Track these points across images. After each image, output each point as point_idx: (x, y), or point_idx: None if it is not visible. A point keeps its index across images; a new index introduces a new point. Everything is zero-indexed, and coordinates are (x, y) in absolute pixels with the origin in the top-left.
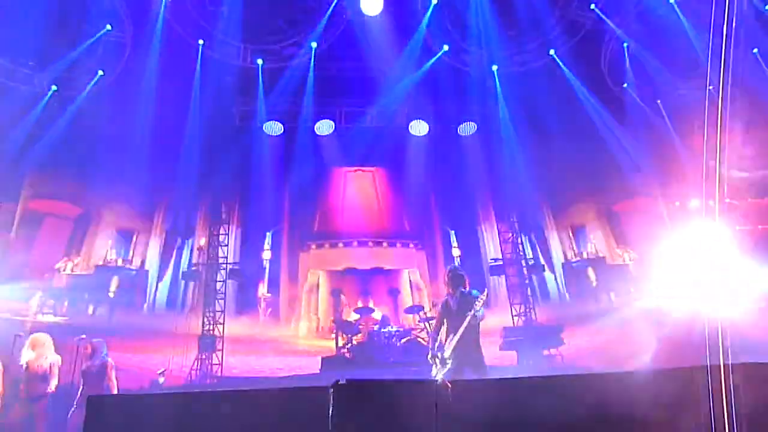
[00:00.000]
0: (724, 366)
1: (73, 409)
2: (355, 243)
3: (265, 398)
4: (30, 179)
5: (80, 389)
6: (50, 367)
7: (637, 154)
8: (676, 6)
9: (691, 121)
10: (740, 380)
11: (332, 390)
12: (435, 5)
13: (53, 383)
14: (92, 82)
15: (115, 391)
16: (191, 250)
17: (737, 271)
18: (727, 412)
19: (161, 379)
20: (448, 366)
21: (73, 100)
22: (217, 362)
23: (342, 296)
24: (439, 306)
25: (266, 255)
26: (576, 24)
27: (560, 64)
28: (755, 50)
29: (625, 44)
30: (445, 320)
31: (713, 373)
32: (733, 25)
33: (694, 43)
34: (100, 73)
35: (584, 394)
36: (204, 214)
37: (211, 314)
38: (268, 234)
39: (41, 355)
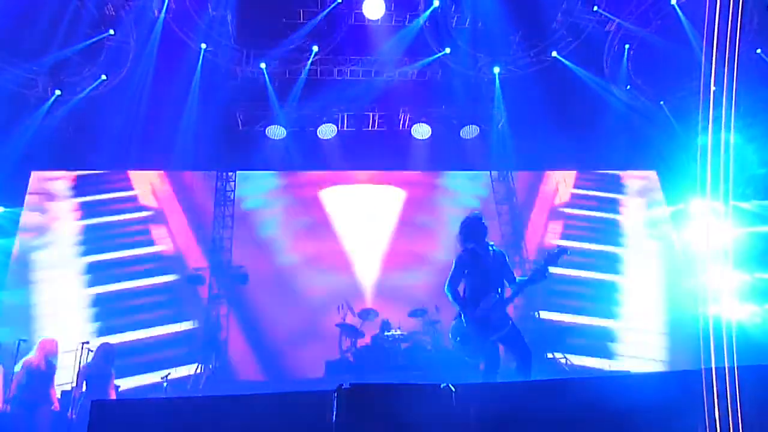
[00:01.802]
0: (729, 368)
1: (73, 412)
2: (359, 245)
3: (269, 402)
4: (33, 183)
5: (82, 393)
6: (54, 370)
7: (640, 156)
8: (678, 8)
9: (696, 122)
10: (746, 383)
11: (336, 394)
12: (437, 8)
13: (56, 387)
14: (93, 85)
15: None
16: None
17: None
18: (732, 416)
19: (164, 384)
20: (504, 330)
21: (75, 104)
22: (220, 366)
23: (345, 299)
24: (461, 256)
25: None
26: (578, 27)
27: (567, 63)
28: (758, 50)
29: (626, 46)
30: (467, 273)
31: (718, 376)
32: (738, 25)
33: (697, 44)
34: (103, 77)
35: (590, 397)
36: (207, 218)
37: (215, 318)
38: None
39: (45, 358)
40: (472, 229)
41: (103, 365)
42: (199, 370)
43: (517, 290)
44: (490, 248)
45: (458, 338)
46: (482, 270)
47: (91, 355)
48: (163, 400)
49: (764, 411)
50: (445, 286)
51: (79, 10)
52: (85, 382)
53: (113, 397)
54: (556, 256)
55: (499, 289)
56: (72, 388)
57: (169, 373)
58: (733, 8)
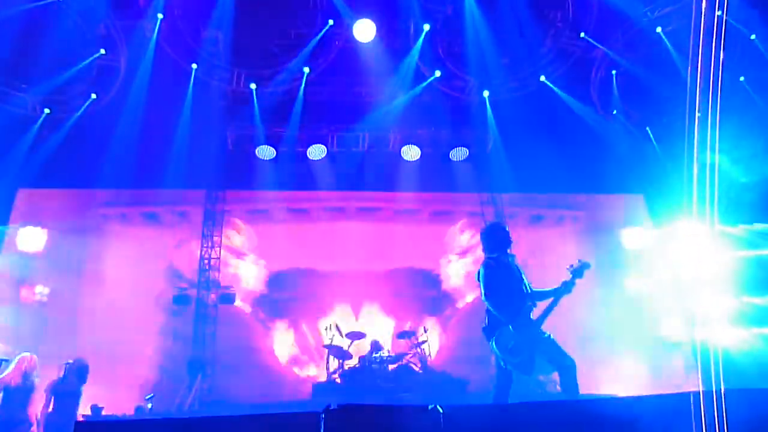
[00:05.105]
0: (717, 392)
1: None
2: (348, 265)
3: (256, 423)
4: (20, 201)
5: (50, 411)
6: (33, 389)
7: (626, 180)
8: (663, 35)
9: (681, 146)
10: (733, 407)
11: (323, 415)
12: (427, 32)
13: (34, 405)
14: (84, 106)
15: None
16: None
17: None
18: None
19: (149, 405)
20: (547, 341)
21: (65, 123)
22: (207, 387)
23: (334, 321)
24: (489, 265)
25: None
26: (566, 52)
27: (554, 88)
28: (741, 78)
29: (613, 72)
30: (501, 283)
31: (706, 400)
32: (721, 53)
33: (682, 70)
34: (93, 96)
35: (579, 420)
36: (195, 238)
37: (201, 338)
38: None
39: (23, 376)
40: (497, 237)
41: (74, 383)
42: (185, 391)
43: (554, 302)
44: (512, 259)
45: (509, 347)
46: (515, 279)
47: (63, 371)
48: (147, 421)
49: None
50: (483, 296)
51: (71, 30)
52: (53, 399)
53: (80, 417)
54: (581, 269)
55: (529, 301)
56: (42, 406)
57: (153, 394)
58: (716, 38)
